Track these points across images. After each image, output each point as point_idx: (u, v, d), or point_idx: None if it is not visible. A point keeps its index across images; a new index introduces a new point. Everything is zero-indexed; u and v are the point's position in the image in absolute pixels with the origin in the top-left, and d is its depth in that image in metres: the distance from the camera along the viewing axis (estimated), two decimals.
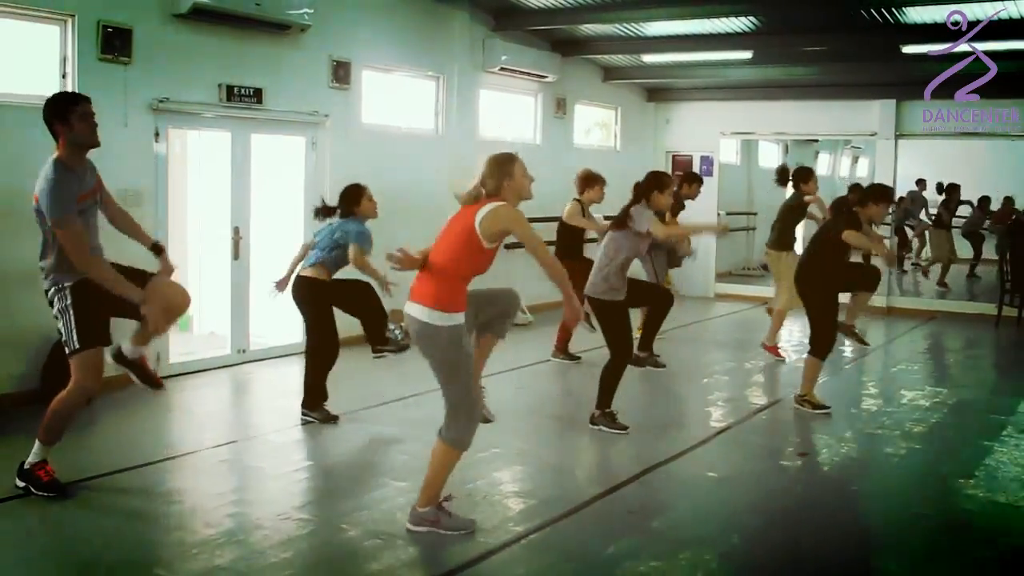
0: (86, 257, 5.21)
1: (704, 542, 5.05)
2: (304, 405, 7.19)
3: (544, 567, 4.78)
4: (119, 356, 5.76)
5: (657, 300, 7.88)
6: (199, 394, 8.13)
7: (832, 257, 7.56)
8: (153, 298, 5.32)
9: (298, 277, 7.20)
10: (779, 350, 10.13)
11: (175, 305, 5.55)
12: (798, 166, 10.58)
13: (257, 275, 9.25)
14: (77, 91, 7.42)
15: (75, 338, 5.32)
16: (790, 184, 10.15)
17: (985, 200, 17.38)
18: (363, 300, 7.25)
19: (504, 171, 4.90)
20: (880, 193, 7.62)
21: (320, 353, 7.19)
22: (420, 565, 4.66)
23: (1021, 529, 5.55)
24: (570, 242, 9.41)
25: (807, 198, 9.83)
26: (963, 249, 17.54)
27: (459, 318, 4.80)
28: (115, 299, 5.39)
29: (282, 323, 9.74)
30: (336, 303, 7.19)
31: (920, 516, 5.66)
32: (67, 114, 5.19)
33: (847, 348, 11.04)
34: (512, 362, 8.96)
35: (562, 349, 9.72)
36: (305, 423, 7.09)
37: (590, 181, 9.37)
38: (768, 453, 6.93)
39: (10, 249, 7.24)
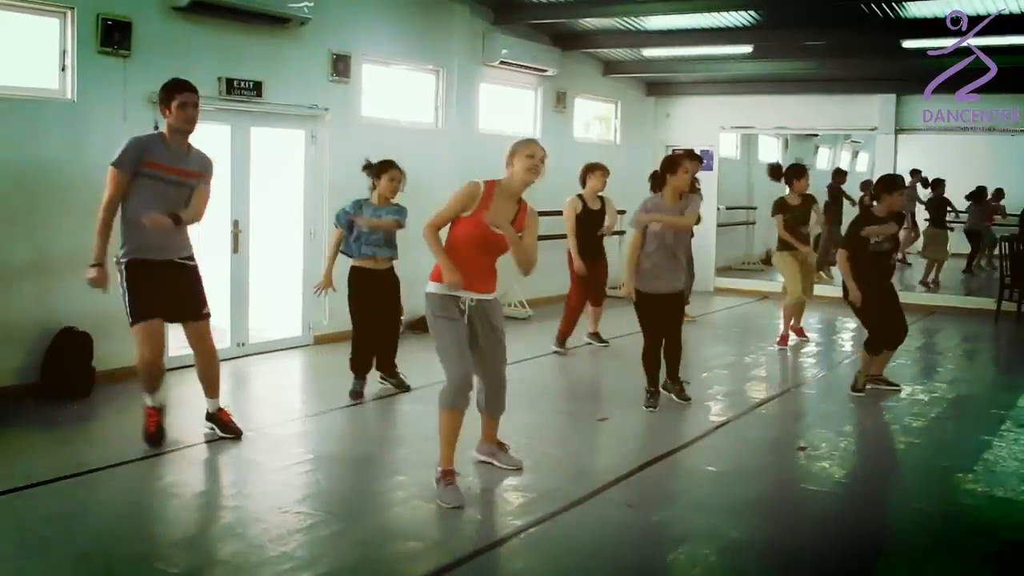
0: (106, 202, 5.79)
1: (704, 536, 5.05)
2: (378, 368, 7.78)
3: (544, 560, 4.78)
4: (208, 416, 6.51)
5: (670, 333, 7.64)
6: (198, 387, 8.07)
7: (858, 258, 7.75)
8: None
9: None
10: (787, 339, 10.34)
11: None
12: (792, 163, 10.53)
13: (256, 268, 9.26)
14: (79, 83, 7.48)
15: (129, 312, 5.91)
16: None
17: (981, 192, 17.29)
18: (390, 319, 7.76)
19: (511, 153, 5.50)
20: (890, 183, 7.87)
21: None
22: (420, 558, 4.65)
23: (1020, 523, 5.55)
24: (585, 240, 9.44)
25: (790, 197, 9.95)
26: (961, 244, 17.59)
27: (434, 287, 5.47)
28: (161, 291, 5.93)
29: (281, 317, 9.76)
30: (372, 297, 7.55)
31: (919, 510, 5.66)
32: (169, 100, 5.87)
33: (847, 343, 11.05)
34: (512, 356, 8.93)
35: (593, 333, 9.89)
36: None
37: (588, 170, 9.55)
38: (768, 447, 6.93)
39: (10, 241, 7.23)
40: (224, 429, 6.44)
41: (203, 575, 4.42)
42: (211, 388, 6.45)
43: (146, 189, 5.82)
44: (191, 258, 6.15)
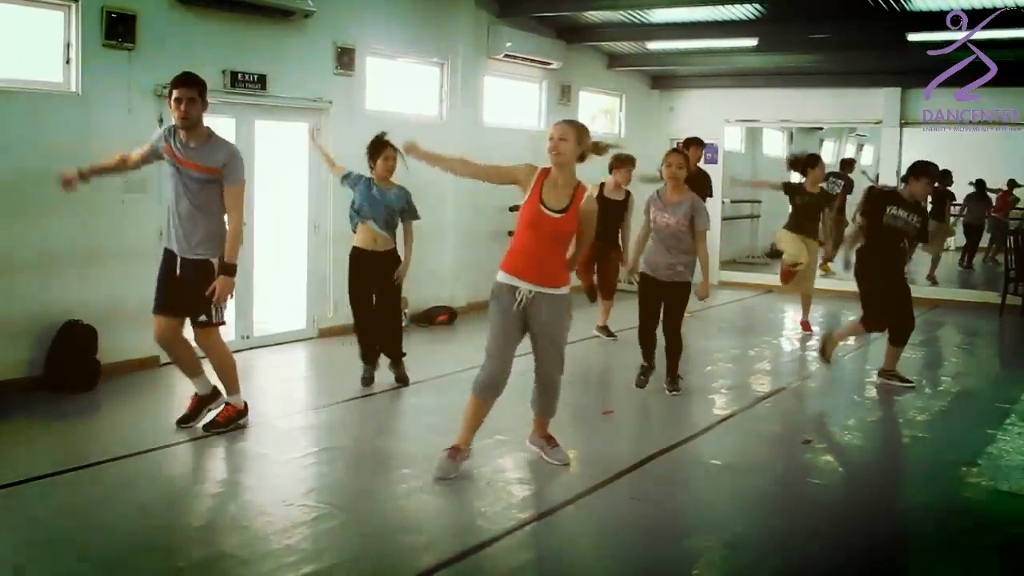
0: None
1: (707, 530, 5.06)
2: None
3: (548, 554, 4.79)
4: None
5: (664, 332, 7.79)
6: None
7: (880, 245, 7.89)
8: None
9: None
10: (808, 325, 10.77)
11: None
12: (807, 152, 10.77)
13: (261, 262, 9.26)
14: (83, 76, 7.47)
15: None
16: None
17: (980, 185, 17.20)
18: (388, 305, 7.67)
19: None
20: (920, 169, 7.97)
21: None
22: (423, 552, 4.66)
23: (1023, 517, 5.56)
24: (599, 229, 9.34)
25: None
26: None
27: (501, 276, 5.46)
28: (180, 287, 6.03)
29: (286, 310, 9.77)
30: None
31: (923, 504, 5.66)
32: (168, 98, 5.98)
33: (851, 337, 11.03)
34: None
35: (602, 326, 9.96)
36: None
37: (616, 164, 9.54)
38: (772, 441, 6.93)
39: (16, 233, 7.24)
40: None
41: (208, 567, 4.42)
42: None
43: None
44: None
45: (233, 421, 6.41)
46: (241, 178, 6.13)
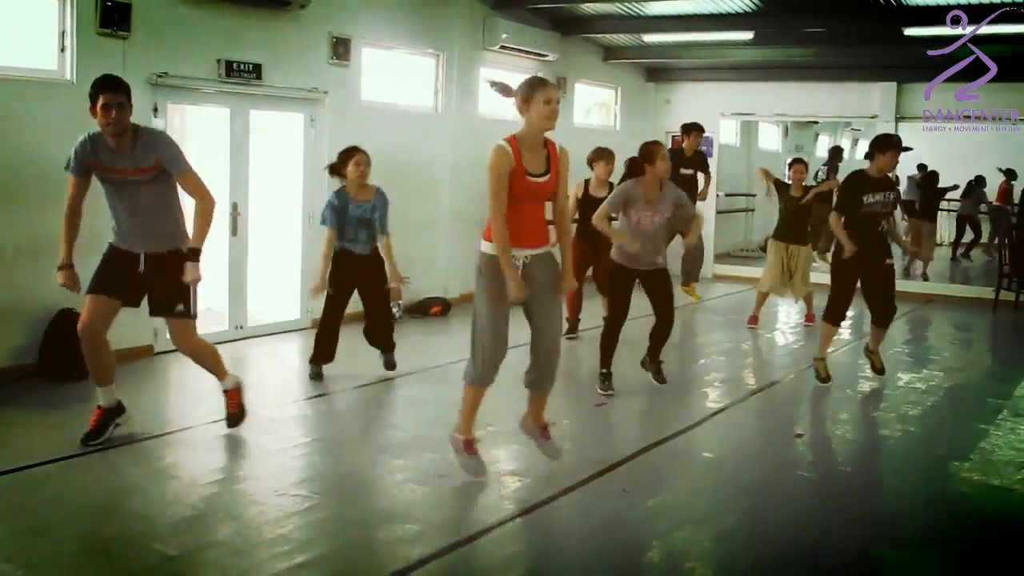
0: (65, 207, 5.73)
1: (699, 522, 5.06)
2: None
3: (539, 546, 4.79)
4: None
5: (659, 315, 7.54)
6: (196, 370, 8.09)
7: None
8: None
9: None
10: (756, 320, 10.70)
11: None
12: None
13: (255, 252, 9.25)
14: (78, 64, 7.45)
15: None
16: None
17: (980, 180, 17.18)
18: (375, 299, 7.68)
19: (523, 98, 5.19)
20: (883, 142, 7.82)
21: None
22: (415, 542, 4.66)
23: (1015, 512, 5.57)
24: (589, 227, 8.95)
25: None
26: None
27: (487, 247, 5.23)
28: (124, 280, 5.76)
29: (279, 300, 9.76)
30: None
31: (915, 498, 5.68)
32: (92, 104, 5.50)
33: (845, 330, 11.06)
34: (516, 339, 8.94)
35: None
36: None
37: (596, 157, 9.15)
38: (764, 434, 6.95)
39: (8, 221, 7.22)
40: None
41: (200, 557, 4.43)
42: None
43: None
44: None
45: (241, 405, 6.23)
46: (186, 165, 5.65)
